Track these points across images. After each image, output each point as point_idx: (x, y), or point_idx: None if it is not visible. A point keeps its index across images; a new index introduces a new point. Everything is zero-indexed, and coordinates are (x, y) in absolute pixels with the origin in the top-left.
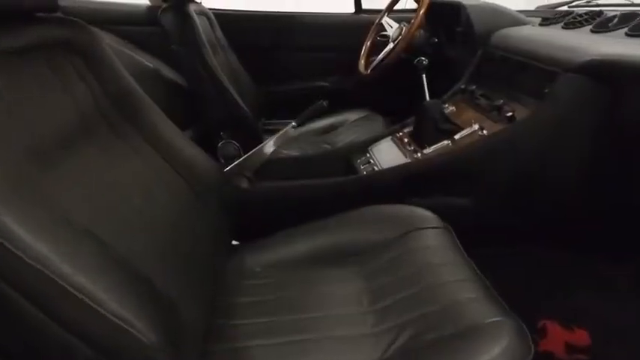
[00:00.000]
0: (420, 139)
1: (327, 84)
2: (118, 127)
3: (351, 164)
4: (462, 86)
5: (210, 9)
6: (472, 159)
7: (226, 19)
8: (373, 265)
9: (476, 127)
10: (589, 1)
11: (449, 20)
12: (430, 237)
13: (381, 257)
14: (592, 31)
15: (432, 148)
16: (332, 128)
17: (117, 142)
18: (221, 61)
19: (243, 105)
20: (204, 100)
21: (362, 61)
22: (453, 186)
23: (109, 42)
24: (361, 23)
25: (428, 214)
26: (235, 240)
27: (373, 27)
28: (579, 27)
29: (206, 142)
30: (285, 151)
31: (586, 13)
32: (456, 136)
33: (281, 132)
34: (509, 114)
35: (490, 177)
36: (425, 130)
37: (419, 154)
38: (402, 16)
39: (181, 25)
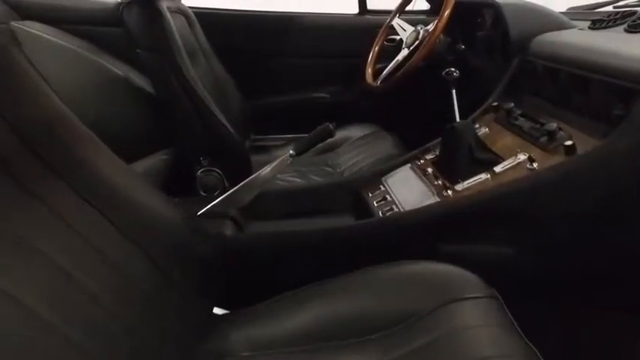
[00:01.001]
0: (448, 170)
1: (326, 95)
2: (29, 174)
3: (361, 198)
4: (495, 103)
5: (190, 7)
6: (518, 199)
7: (210, 19)
8: (399, 351)
9: (522, 157)
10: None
11: (474, 22)
12: (475, 312)
13: (409, 340)
14: None
15: (467, 183)
16: (333, 146)
17: (26, 198)
18: (202, 69)
19: (227, 125)
20: (178, 118)
21: (369, 70)
22: (492, 231)
23: (67, 45)
24: (366, 26)
25: (470, 276)
26: (217, 306)
27: (382, 30)
28: None
29: (182, 169)
30: (280, 180)
31: None
32: (497, 168)
33: (275, 162)
34: (568, 143)
35: (541, 222)
36: (455, 159)
37: (449, 192)
38: (412, 18)
39: (148, 24)
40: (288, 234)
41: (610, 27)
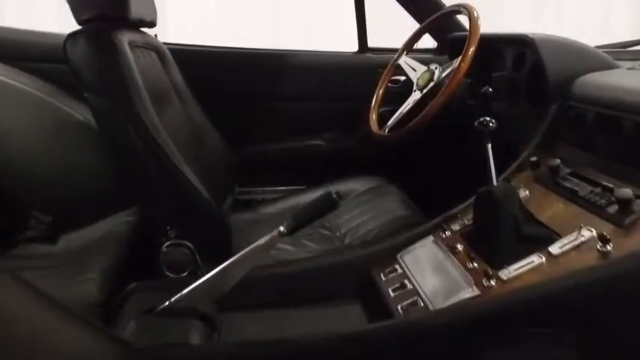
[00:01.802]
0: (487, 250)
1: (322, 142)
2: None
3: (371, 280)
4: (533, 158)
5: (166, 44)
6: (591, 294)
7: (189, 57)
8: None
9: (587, 234)
10: None
11: (498, 61)
12: None
13: None
14: None
15: (515, 269)
16: None
17: None
18: (174, 115)
19: (200, 187)
20: (139, 177)
21: (373, 116)
22: (553, 337)
23: (18, 85)
24: (367, 65)
25: None
26: None
27: (387, 70)
28: None
29: (144, 242)
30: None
31: None
32: (553, 249)
33: (262, 241)
34: None
35: (618, 324)
36: (497, 235)
37: (492, 281)
38: (419, 57)
39: (96, 61)
40: (280, 347)
41: None
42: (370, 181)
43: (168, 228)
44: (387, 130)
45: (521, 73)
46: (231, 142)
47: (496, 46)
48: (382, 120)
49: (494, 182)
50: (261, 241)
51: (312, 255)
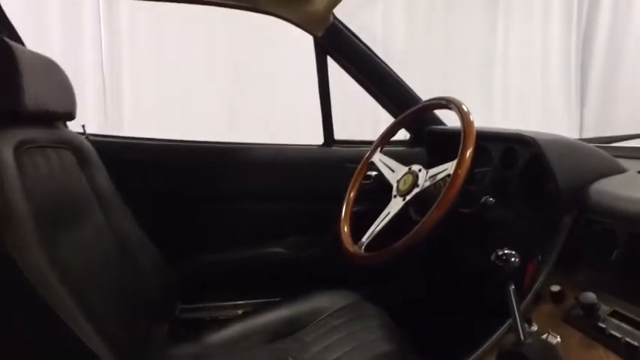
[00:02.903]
0: None
1: (283, 250)
2: None
3: None
4: (555, 288)
5: (90, 135)
6: None
7: (119, 153)
8: None
9: None
10: None
11: (484, 157)
12: None
13: None
14: None
15: None
16: (295, 326)
17: None
18: (91, 230)
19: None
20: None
21: (345, 229)
22: None
23: None
24: (334, 159)
25: None
26: None
27: (359, 169)
28: None
29: None
30: None
31: None
32: None
33: None
34: None
35: None
36: None
37: None
38: (391, 150)
39: None
40: None
41: None
42: (342, 298)
43: None
44: (363, 247)
45: (513, 173)
46: (173, 252)
47: (502, 146)
48: (355, 226)
49: (522, 336)
50: None
51: None
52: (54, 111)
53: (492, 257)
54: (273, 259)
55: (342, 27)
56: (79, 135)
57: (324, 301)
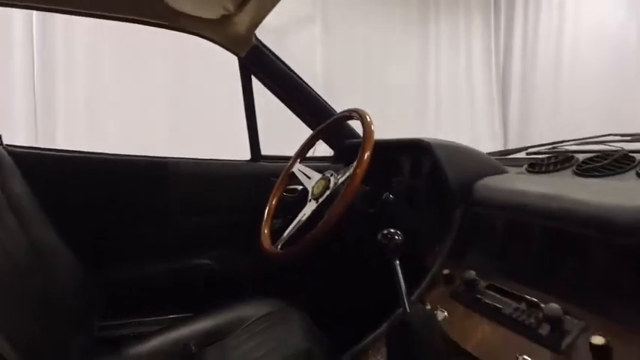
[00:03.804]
0: None
1: (209, 262)
2: None
3: None
4: (446, 271)
5: (8, 146)
6: None
7: (39, 164)
8: None
9: None
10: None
11: (394, 166)
12: None
13: None
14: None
15: None
16: (218, 335)
17: None
18: (5, 229)
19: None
20: None
21: (265, 231)
22: None
23: None
24: (260, 174)
25: None
26: None
27: (281, 178)
28: (603, 174)
29: None
30: None
31: (597, 156)
32: None
33: None
34: (598, 341)
35: None
36: None
37: None
38: (316, 165)
39: None
40: None
41: (551, 171)
42: (266, 306)
43: None
44: (279, 246)
45: (420, 178)
46: (91, 266)
47: (393, 151)
48: (277, 234)
49: (407, 307)
50: None
51: None
52: None
53: (379, 237)
54: (200, 270)
55: (263, 47)
56: None
57: (248, 310)
